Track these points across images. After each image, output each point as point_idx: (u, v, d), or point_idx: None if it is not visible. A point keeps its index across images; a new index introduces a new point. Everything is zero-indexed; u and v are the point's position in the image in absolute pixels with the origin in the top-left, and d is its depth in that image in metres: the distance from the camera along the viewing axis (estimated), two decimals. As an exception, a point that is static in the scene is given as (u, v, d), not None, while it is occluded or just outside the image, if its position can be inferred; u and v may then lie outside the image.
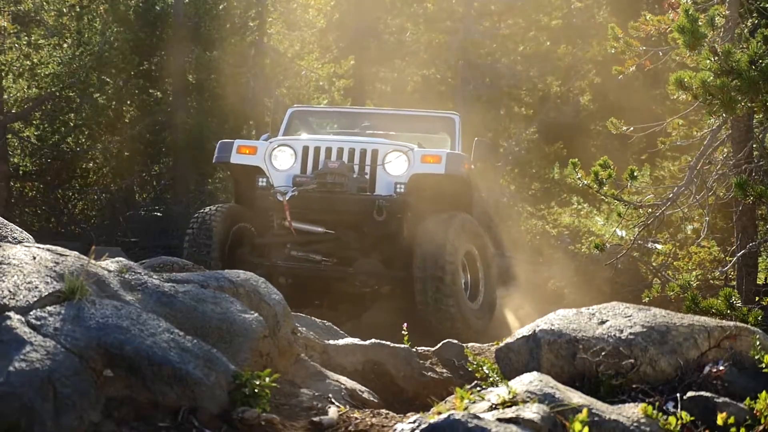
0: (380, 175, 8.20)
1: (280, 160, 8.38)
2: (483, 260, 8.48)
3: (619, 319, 3.82)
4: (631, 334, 3.67)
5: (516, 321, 9.91)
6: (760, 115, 7.98)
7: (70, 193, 17.16)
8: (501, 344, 4.00)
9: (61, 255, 3.81)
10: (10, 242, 4.37)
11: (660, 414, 3.06)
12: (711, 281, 10.96)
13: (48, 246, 3.94)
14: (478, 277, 8.45)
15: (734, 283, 8.78)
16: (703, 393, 3.26)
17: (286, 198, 8.02)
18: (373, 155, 8.25)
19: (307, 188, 8.10)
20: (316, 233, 8.34)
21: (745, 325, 3.93)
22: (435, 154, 8.11)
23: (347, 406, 3.90)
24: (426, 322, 7.57)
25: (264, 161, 8.36)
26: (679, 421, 3.04)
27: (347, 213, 8.10)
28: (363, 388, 4.42)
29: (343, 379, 4.40)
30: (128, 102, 17.30)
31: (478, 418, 2.78)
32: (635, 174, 8.18)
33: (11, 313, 3.16)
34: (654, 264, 11.58)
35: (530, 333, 3.81)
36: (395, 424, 3.32)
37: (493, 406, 2.98)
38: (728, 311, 5.77)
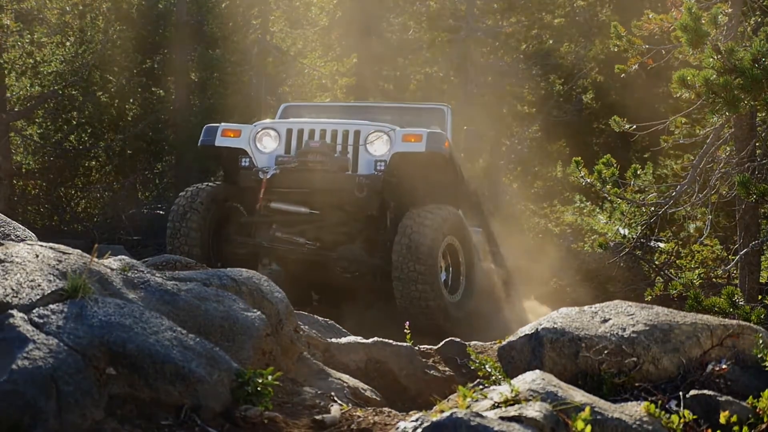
0: (362, 155, 8.30)
1: (264, 143, 8.50)
2: (465, 253, 8.51)
3: (622, 317, 3.82)
4: (633, 332, 3.67)
5: (515, 318, 9.90)
6: (763, 114, 7.99)
7: (73, 191, 17.20)
8: (503, 342, 4.00)
9: (64, 253, 3.81)
10: (13, 240, 4.37)
11: (663, 412, 3.05)
12: (713, 279, 10.96)
13: (51, 244, 3.94)
14: (460, 270, 8.50)
15: (737, 281, 8.78)
16: (705, 391, 3.26)
17: (267, 176, 8.11)
18: (355, 136, 8.36)
19: (288, 166, 8.18)
20: (300, 213, 8.39)
21: (748, 324, 3.94)
22: (416, 133, 8.19)
23: (350, 404, 3.90)
24: (404, 315, 7.60)
25: (249, 144, 8.47)
26: (682, 420, 3.04)
27: (328, 191, 8.16)
28: (365, 387, 4.42)
29: (345, 377, 4.40)
30: (131, 100, 17.32)
31: (481, 416, 2.78)
32: (638, 172, 8.19)
33: (14, 311, 3.16)
34: (657, 262, 11.59)
35: (533, 331, 3.81)
36: (398, 422, 3.32)
37: (496, 404, 2.97)
38: (731, 309, 5.77)
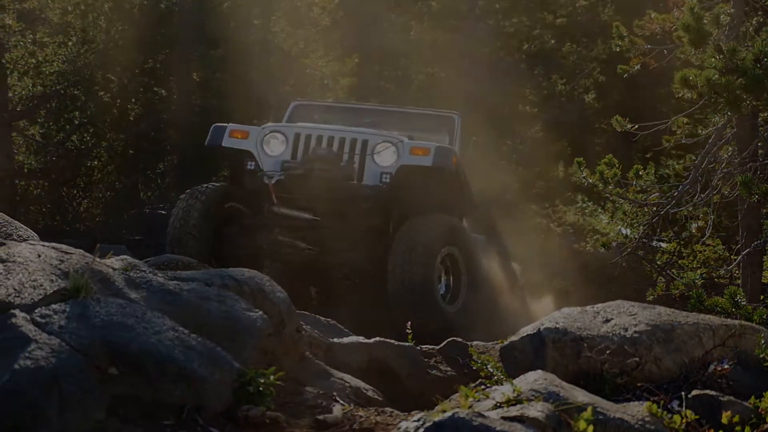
0: (369, 165, 8.23)
1: (271, 146, 8.43)
2: (466, 260, 8.42)
3: (624, 317, 3.82)
4: (635, 332, 3.67)
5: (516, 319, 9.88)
6: (765, 114, 7.98)
7: (75, 191, 17.18)
8: (506, 342, 4.00)
9: (66, 253, 3.81)
10: (15, 240, 4.38)
11: (665, 412, 3.05)
12: (716, 279, 10.94)
13: (53, 244, 3.94)
14: (460, 280, 8.41)
15: (739, 281, 8.76)
16: (707, 391, 3.26)
17: (272, 181, 8.08)
18: (362, 145, 8.30)
19: (293, 173, 8.15)
20: (302, 219, 8.35)
21: (750, 324, 3.94)
22: (424, 146, 8.13)
23: (352, 404, 3.90)
24: (398, 322, 7.53)
25: (256, 146, 8.41)
26: (684, 420, 3.04)
27: (333, 199, 8.11)
28: (367, 387, 4.42)
29: (347, 377, 4.40)
30: (133, 100, 17.32)
31: (483, 416, 2.78)
32: (640, 172, 8.18)
33: (16, 311, 3.16)
34: (659, 262, 11.57)
35: (535, 331, 3.81)
36: (400, 422, 3.32)
37: (498, 404, 2.97)
38: (733, 309, 5.77)
